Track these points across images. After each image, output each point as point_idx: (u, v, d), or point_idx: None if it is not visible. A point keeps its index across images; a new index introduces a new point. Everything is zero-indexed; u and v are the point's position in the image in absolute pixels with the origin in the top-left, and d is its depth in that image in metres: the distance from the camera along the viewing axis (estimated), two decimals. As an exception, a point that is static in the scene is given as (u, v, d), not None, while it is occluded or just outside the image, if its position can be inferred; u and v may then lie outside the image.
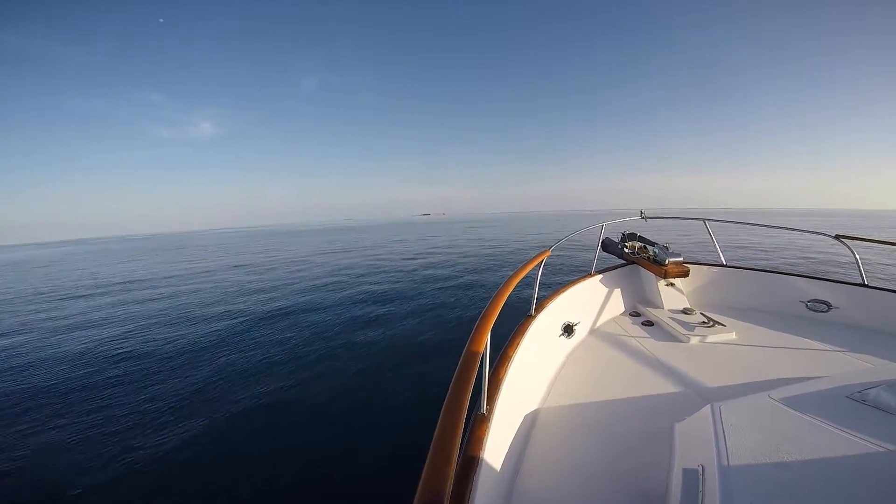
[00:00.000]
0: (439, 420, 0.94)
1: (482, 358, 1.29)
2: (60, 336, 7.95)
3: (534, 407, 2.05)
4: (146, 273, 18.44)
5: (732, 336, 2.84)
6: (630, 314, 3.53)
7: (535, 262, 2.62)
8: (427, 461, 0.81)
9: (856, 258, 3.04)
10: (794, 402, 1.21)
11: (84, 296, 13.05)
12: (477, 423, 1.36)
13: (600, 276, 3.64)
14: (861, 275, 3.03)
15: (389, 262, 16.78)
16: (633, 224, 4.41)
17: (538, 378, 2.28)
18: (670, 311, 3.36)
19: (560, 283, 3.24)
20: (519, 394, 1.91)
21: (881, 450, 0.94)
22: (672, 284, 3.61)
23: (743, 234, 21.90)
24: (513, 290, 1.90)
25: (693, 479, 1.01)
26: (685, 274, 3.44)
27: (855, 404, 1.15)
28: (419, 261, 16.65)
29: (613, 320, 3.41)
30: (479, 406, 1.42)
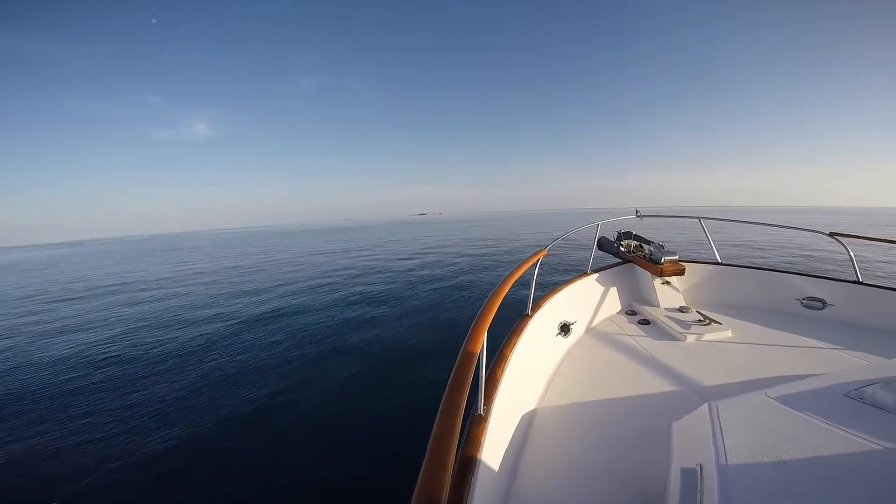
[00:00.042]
0: (436, 422, 0.93)
1: (479, 358, 1.28)
2: (47, 340, 7.84)
3: (531, 407, 2.05)
4: (139, 275, 18.28)
5: (728, 334, 2.86)
6: (626, 313, 3.55)
7: (531, 262, 2.62)
8: (423, 464, 0.80)
9: (850, 255, 3.07)
10: (791, 401, 1.22)
11: (74, 298, 12.93)
12: (474, 424, 1.36)
13: (596, 275, 3.65)
14: (856, 272, 3.06)
15: (385, 262, 16.75)
16: (629, 223, 4.43)
17: (535, 378, 2.28)
18: (666, 309, 3.38)
19: (556, 283, 3.25)
20: (516, 394, 1.91)
21: (879, 448, 0.94)
22: (668, 283, 3.63)
23: (738, 231, 22.11)
24: (509, 290, 1.90)
25: (691, 479, 1.01)
26: (681, 272, 3.46)
27: (852, 402, 1.15)
28: (414, 261, 16.63)
29: (610, 319, 3.42)
30: (477, 407, 1.42)
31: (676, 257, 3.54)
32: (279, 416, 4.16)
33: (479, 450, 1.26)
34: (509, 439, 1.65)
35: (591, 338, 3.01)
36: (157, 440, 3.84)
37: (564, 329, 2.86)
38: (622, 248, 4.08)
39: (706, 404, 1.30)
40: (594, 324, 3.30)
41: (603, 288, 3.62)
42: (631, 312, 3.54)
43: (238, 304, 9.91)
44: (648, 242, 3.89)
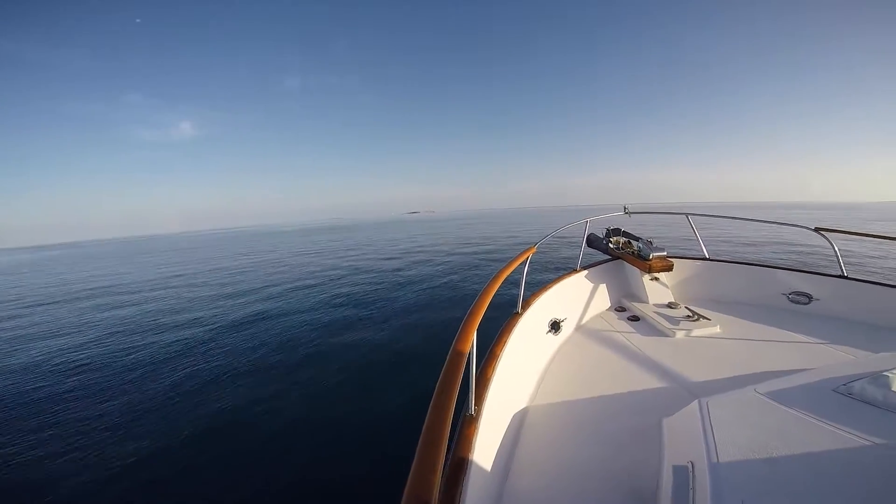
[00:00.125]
0: (425, 423, 0.92)
1: (469, 358, 1.27)
2: (17, 346, 7.60)
3: (522, 406, 2.05)
4: (122, 278, 17.97)
5: (717, 329, 2.90)
6: (616, 309, 3.58)
7: (521, 260, 2.62)
8: (413, 466, 0.79)
9: (835, 250, 3.15)
10: (780, 396, 1.23)
11: (50, 303, 12.63)
12: (465, 424, 1.36)
13: (586, 272, 3.68)
14: (840, 266, 3.14)
15: (374, 262, 16.63)
16: (618, 219, 4.47)
17: (526, 376, 2.29)
18: (655, 305, 3.43)
19: (546, 281, 3.25)
20: (507, 393, 1.91)
21: (868, 444, 0.95)
22: (657, 279, 3.68)
23: (725, 227, 22.55)
24: (499, 289, 1.90)
25: (683, 476, 1.01)
26: (669, 268, 3.50)
27: (841, 398, 1.17)
28: (404, 259, 16.57)
29: (600, 316, 3.45)
30: (468, 407, 1.41)
31: (665, 253, 3.58)
32: (262, 423, 4.07)
33: (470, 450, 1.26)
34: (501, 439, 1.65)
35: (581, 335, 3.03)
36: (127, 452, 3.71)
37: (555, 327, 2.87)
38: (611, 245, 4.12)
39: (696, 401, 1.31)
40: (584, 321, 3.32)
41: (592, 285, 3.64)
42: (620, 309, 3.58)
43: (221, 307, 9.72)
44: (637, 239, 3.93)
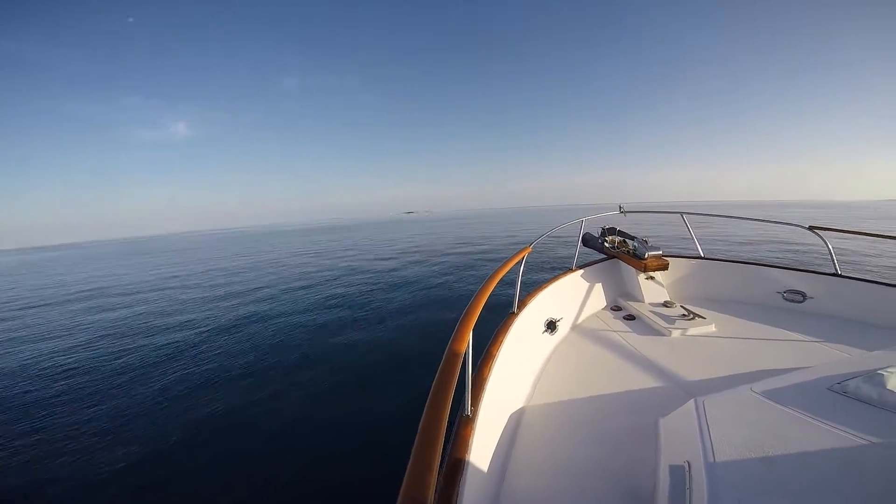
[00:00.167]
0: (420, 423, 0.91)
1: (465, 358, 1.27)
2: (5, 349, 7.50)
3: (519, 406, 2.05)
4: (114, 280, 17.86)
5: (712, 328, 2.92)
6: (612, 308, 3.59)
7: (516, 260, 2.62)
8: (408, 467, 0.78)
9: (828, 248, 3.17)
10: (776, 395, 1.23)
11: (42, 305, 12.54)
12: (462, 424, 1.36)
13: (581, 272, 3.68)
14: (834, 265, 3.16)
15: (370, 262, 16.58)
16: (613, 219, 4.49)
17: (523, 376, 2.29)
18: (651, 304, 3.44)
19: (542, 280, 3.25)
20: (504, 393, 1.91)
21: (865, 443, 0.95)
22: (652, 278, 3.69)
23: (721, 226, 22.72)
24: (495, 289, 1.90)
25: (680, 476, 1.01)
26: (664, 267, 3.52)
27: (836, 396, 1.17)
28: (400, 260, 16.53)
29: (596, 315, 3.46)
30: (464, 407, 1.41)
31: (660, 252, 3.59)
32: (256, 425, 4.04)
33: (467, 451, 1.25)
34: (497, 439, 1.64)
35: (577, 334, 3.04)
36: (115, 457, 3.66)
37: (551, 326, 2.88)
38: (606, 244, 4.13)
39: (692, 400, 1.31)
40: (580, 320, 3.32)
41: (588, 284, 3.65)
42: (616, 308, 3.59)
43: (214, 308, 9.64)
44: (632, 238, 3.95)
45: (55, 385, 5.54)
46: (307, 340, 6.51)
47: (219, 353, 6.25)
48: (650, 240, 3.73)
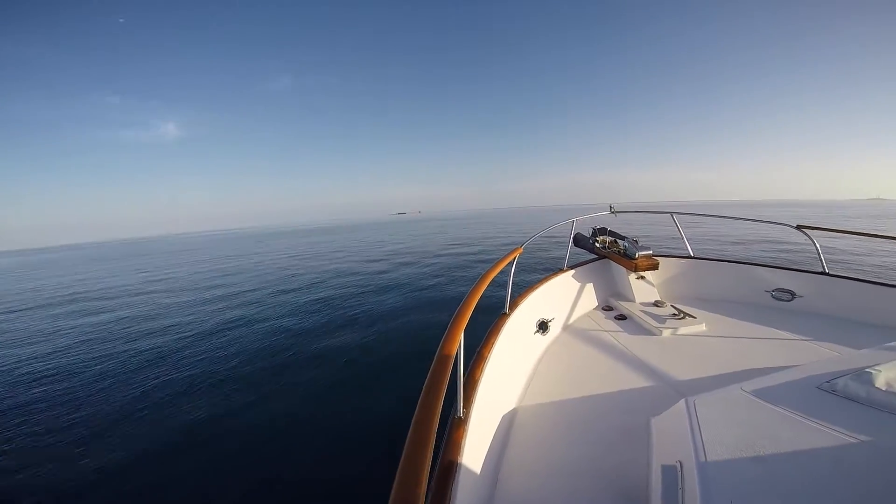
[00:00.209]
0: (411, 426, 0.90)
1: (456, 360, 1.27)
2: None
3: (511, 407, 2.05)
4: (100, 283, 17.57)
5: (702, 327, 2.95)
6: (603, 308, 3.61)
7: (508, 260, 2.63)
8: (398, 470, 0.78)
9: (816, 247, 3.23)
10: (766, 394, 1.24)
11: (24, 309, 12.30)
12: (454, 426, 1.35)
13: (573, 272, 3.70)
14: (822, 263, 3.22)
15: (360, 264, 16.46)
16: (604, 219, 4.52)
17: (515, 377, 2.29)
18: (642, 304, 3.47)
19: (534, 281, 3.26)
20: (496, 394, 1.91)
21: (854, 441, 0.96)
22: (643, 278, 3.72)
23: (712, 226, 23.02)
24: (486, 290, 1.91)
25: (672, 476, 1.01)
26: (655, 267, 3.55)
27: (825, 394, 1.18)
28: (390, 261, 16.45)
29: (587, 315, 3.47)
30: (456, 410, 1.41)
31: (650, 252, 3.63)
32: (242, 431, 3.96)
33: (459, 453, 1.25)
34: (490, 440, 1.64)
35: (568, 335, 3.05)
36: (92, 466, 3.56)
37: (542, 327, 2.89)
38: (597, 245, 4.16)
39: (683, 400, 1.32)
40: (571, 320, 3.33)
41: (579, 284, 3.67)
42: (607, 308, 3.61)
43: (201, 312, 9.48)
44: (623, 238, 3.98)
45: (32, 391, 5.39)
46: (295, 344, 6.41)
47: (202, 358, 6.12)
48: (640, 240, 3.77)
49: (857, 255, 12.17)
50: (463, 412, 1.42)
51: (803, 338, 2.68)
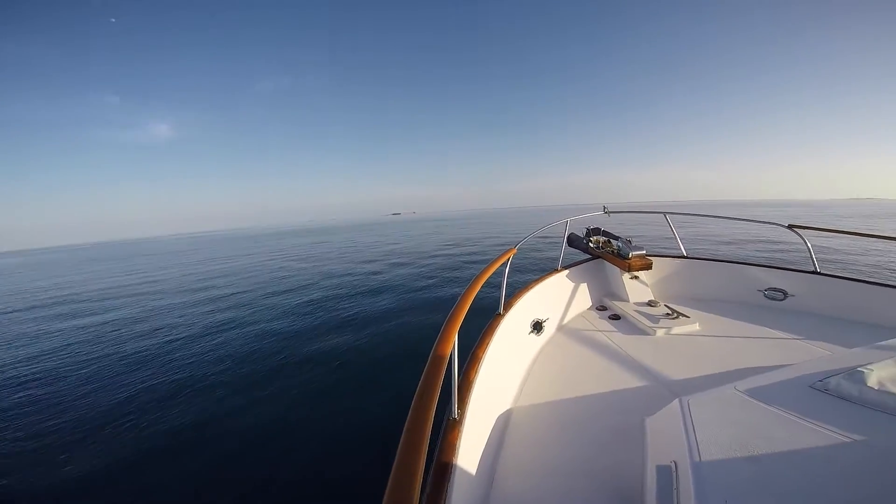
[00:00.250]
0: (405, 426, 0.90)
1: (450, 361, 1.27)
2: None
3: (506, 407, 2.06)
4: (90, 285, 17.39)
5: (696, 327, 2.97)
6: (597, 308, 3.62)
7: (502, 261, 2.63)
8: (392, 472, 0.77)
9: (807, 246, 3.27)
10: (759, 394, 1.25)
11: (9, 312, 12.14)
12: (449, 428, 1.36)
13: (567, 272, 3.71)
14: (813, 262, 3.26)
15: (354, 265, 16.39)
16: (597, 219, 4.54)
17: (509, 378, 2.29)
18: (636, 304, 3.48)
19: (528, 281, 3.27)
20: (491, 395, 1.91)
21: (847, 440, 0.97)
22: (636, 277, 3.74)
23: (706, 225, 23.24)
24: (481, 290, 1.91)
25: (667, 476, 1.01)
26: (648, 267, 3.57)
27: (817, 394, 1.19)
28: (384, 262, 16.40)
29: (581, 315, 3.49)
30: (450, 411, 1.41)
31: (644, 252, 3.65)
32: (229, 436, 3.90)
33: (454, 455, 1.25)
34: (485, 442, 1.64)
35: (563, 335, 3.05)
36: (75, 472, 3.49)
37: (537, 327, 2.89)
38: (591, 245, 4.18)
39: (677, 400, 1.32)
40: (566, 321, 3.34)
41: (573, 284, 3.68)
42: (601, 308, 3.62)
43: (190, 314, 9.38)
44: (616, 238, 4.00)
45: (16, 396, 5.29)
46: (286, 347, 6.34)
47: (191, 362, 6.03)
48: (634, 240, 3.79)
49: (852, 254, 12.30)
50: (458, 413, 1.42)
51: (796, 337, 2.71)
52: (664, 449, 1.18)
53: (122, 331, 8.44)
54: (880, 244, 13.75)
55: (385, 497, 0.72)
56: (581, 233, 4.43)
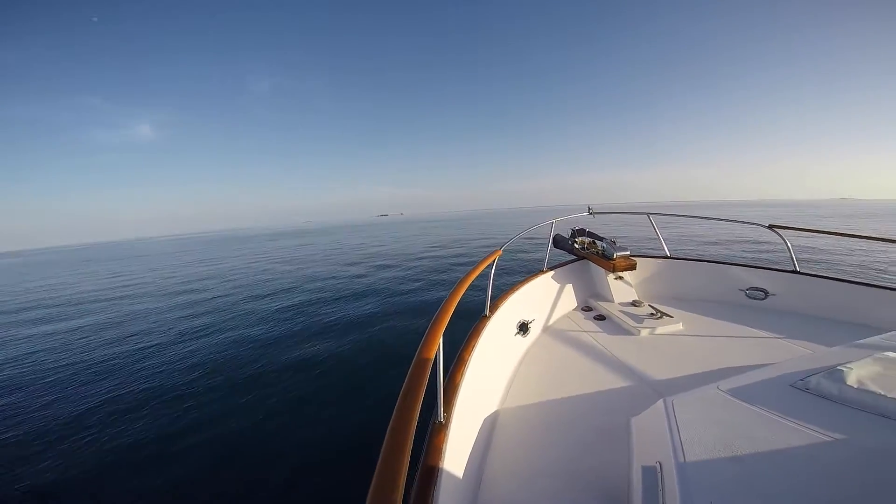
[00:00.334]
0: (387, 433, 0.90)
1: (436, 364, 1.27)
2: None
3: (493, 410, 2.06)
4: (66, 289, 16.96)
5: (679, 327, 3.01)
6: (582, 309, 3.66)
7: (487, 263, 2.64)
8: (373, 478, 0.76)
9: (787, 246, 3.35)
10: (741, 394, 1.27)
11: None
12: (435, 431, 1.35)
13: (552, 273, 3.74)
14: (793, 262, 3.35)
15: (338, 267, 16.22)
16: (582, 220, 4.60)
17: (496, 379, 2.30)
18: (620, 304, 3.53)
19: (514, 282, 3.28)
20: (477, 397, 1.91)
21: (828, 439, 0.98)
22: (621, 278, 3.79)
23: (690, 226, 23.73)
24: (467, 292, 1.91)
25: (652, 477, 1.02)
26: (632, 267, 3.62)
27: (798, 393, 1.22)
28: (368, 264, 16.30)
29: (567, 316, 3.51)
30: (436, 414, 1.41)
31: (628, 253, 3.70)
32: (200, 447, 3.77)
33: (440, 459, 1.25)
34: (472, 445, 1.64)
35: (548, 336, 3.07)
36: (22, 488, 3.36)
37: (523, 328, 2.91)
38: (576, 245, 4.22)
39: (661, 400, 1.34)
40: (551, 321, 3.37)
41: (559, 285, 3.71)
42: (587, 308, 3.66)
43: (165, 320, 9.13)
44: (601, 239, 4.05)
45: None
46: (265, 355, 6.17)
47: (160, 371, 5.83)
48: (618, 240, 3.84)
49: (837, 254, 12.66)
50: (444, 416, 1.42)
51: (777, 336, 2.77)
52: (649, 449, 1.19)
53: (92, 337, 8.16)
54: (864, 244, 14.25)
55: (368, 497, 0.72)
56: (566, 234, 4.48)
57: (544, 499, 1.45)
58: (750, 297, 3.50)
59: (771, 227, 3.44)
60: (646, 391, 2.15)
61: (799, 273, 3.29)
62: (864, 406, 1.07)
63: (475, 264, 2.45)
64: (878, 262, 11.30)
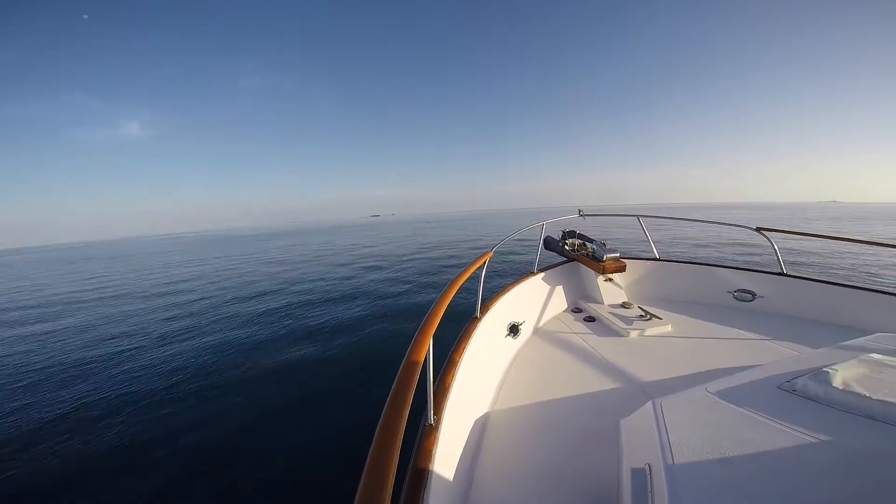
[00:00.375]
0: (375, 434, 0.89)
1: (426, 366, 1.28)
2: None
3: (483, 411, 2.06)
4: (47, 290, 16.65)
5: (668, 328, 3.05)
6: (572, 310, 3.68)
7: (478, 264, 2.65)
8: (361, 479, 0.76)
9: (774, 248, 3.41)
10: (729, 395, 1.28)
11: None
12: (425, 434, 1.36)
13: (543, 275, 3.76)
14: (780, 264, 3.41)
15: (328, 268, 16.10)
16: (573, 222, 4.63)
17: (486, 381, 2.31)
18: (610, 306, 3.56)
19: (505, 284, 3.28)
20: (468, 399, 1.92)
21: (815, 441, 0.99)
22: (610, 280, 3.82)
23: (680, 228, 24.05)
24: (458, 294, 1.92)
25: (641, 479, 1.02)
26: (622, 269, 3.66)
27: (785, 394, 1.23)
28: (358, 265, 16.21)
29: (557, 318, 3.53)
30: (426, 417, 1.42)
31: (618, 254, 3.73)
32: (178, 455, 3.67)
33: (430, 461, 1.25)
34: (462, 447, 1.64)
35: (539, 338, 3.09)
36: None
37: (513, 330, 2.92)
38: (567, 247, 4.25)
39: (650, 402, 1.34)
40: (542, 323, 3.38)
41: (549, 287, 3.73)
42: (577, 310, 3.68)
43: (149, 322, 8.94)
44: (591, 241, 4.08)
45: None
46: (248, 359, 6.02)
47: (139, 375, 5.68)
48: (608, 242, 3.88)
49: (829, 257, 12.87)
50: (434, 419, 1.43)
51: (764, 337, 2.82)
52: (638, 451, 1.20)
53: (69, 340, 7.95)
54: (853, 246, 14.51)
55: (357, 495, 0.72)
56: (557, 235, 4.50)
57: (535, 500, 1.46)
58: (738, 299, 3.55)
59: (758, 229, 3.50)
60: (635, 393, 2.17)
61: (786, 275, 3.36)
62: (850, 408, 1.09)
63: (465, 266, 2.45)
64: (867, 264, 11.53)
